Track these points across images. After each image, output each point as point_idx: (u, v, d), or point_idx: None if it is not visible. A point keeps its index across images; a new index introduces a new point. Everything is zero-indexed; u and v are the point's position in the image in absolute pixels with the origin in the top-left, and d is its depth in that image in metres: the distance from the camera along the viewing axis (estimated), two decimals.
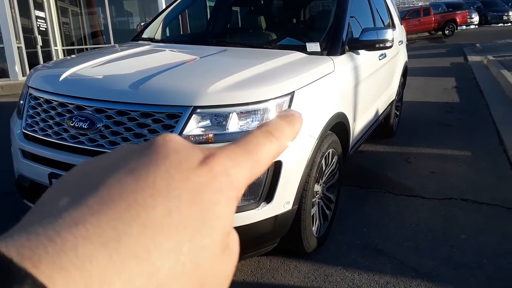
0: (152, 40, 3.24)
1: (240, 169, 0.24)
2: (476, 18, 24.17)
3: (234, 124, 1.89)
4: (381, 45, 2.80)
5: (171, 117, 1.88)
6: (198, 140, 1.87)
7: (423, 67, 10.38)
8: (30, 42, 10.54)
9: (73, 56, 2.92)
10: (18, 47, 10.10)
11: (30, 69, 10.16)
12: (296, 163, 2.05)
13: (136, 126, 1.91)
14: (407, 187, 3.43)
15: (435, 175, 3.71)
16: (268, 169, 1.94)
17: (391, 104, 4.30)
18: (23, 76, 10.14)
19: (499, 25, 25.97)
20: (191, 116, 1.87)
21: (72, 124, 2.00)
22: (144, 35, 3.36)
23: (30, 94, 2.26)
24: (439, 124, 5.40)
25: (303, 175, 2.10)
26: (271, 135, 0.26)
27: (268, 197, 1.97)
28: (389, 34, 2.80)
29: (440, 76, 9.33)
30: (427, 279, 2.23)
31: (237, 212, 1.89)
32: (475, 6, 25.78)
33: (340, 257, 2.45)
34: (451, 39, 19.84)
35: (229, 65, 2.43)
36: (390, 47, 2.87)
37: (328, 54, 2.64)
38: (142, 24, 3.71)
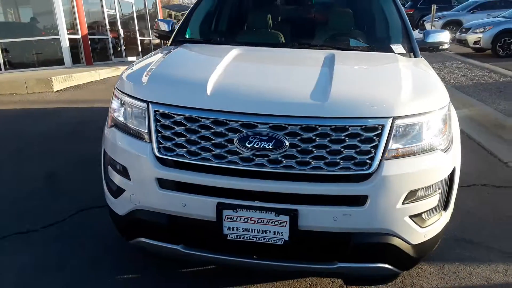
0: (207, 41, 2.85)
1: None
2: None
3: (427, 134, 1.82)
4: (442, 47, 2.95)
5: (369, 130, 1.71)
6: (403, 153, 1.75)
7: None
8: None
9: (150, 59, 2.40)
10: None
11: None
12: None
13: (329, 143, 1.70)
14: None
15: None
16: (448, 179, 1.91)
17: None
18: None
19: None
20: (392, 128, 1.74)
21: (250, 145, 1.68)
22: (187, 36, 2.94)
23: (156, 111, 1.81)
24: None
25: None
26: None
27: (445, 205, 1.96)
28: (447, 35, 2.95)
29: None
30: None
31: (424, 226, 1.83)
32: None
33: None
34: None
35: (372, 71, 2.31)
36: (447, 49, 3.04)
37: (414, 56, 2.68)
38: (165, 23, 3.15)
